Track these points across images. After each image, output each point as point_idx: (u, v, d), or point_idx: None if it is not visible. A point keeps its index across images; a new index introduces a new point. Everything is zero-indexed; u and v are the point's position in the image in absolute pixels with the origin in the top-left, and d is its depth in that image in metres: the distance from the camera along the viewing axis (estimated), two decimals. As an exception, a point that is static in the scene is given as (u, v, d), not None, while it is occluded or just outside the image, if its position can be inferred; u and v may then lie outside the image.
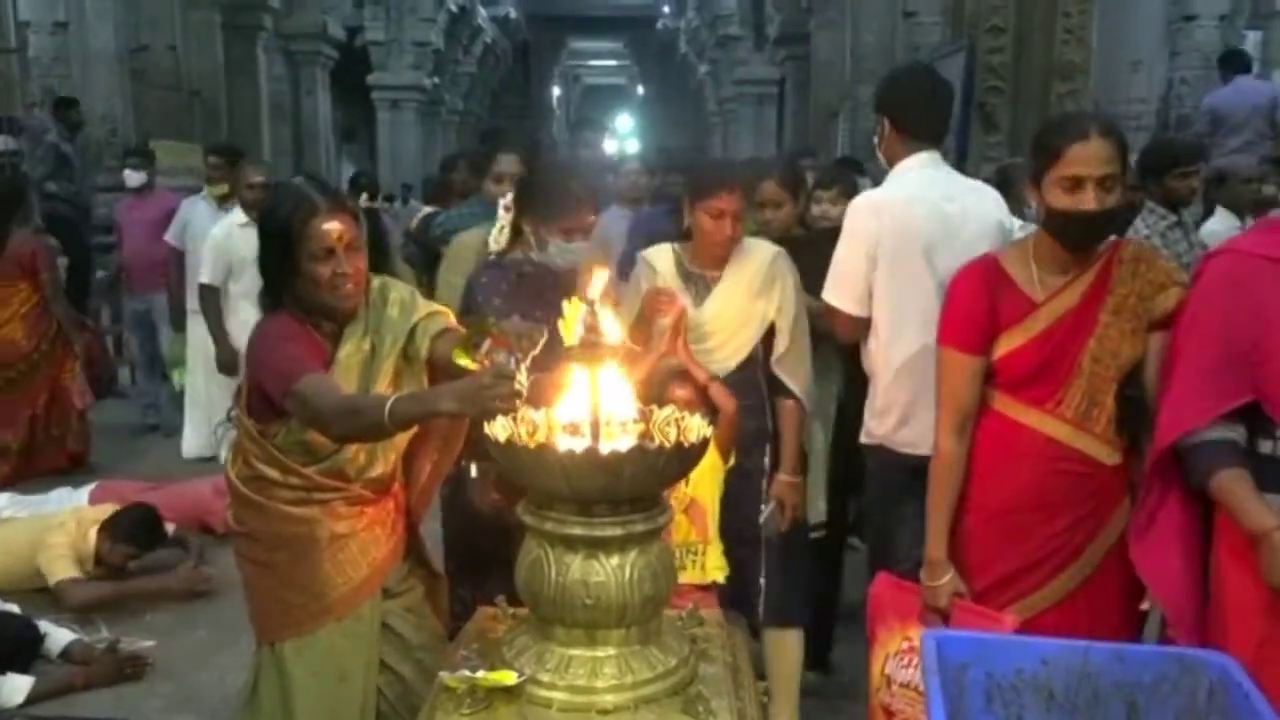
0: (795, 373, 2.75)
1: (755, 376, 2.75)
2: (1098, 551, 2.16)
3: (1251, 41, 10.73)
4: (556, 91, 28.46)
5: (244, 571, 2.20)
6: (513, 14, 21.83)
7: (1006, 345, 2.14)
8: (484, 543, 2.59)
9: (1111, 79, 8.17)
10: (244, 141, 9.72)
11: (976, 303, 2.16)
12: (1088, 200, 2.00)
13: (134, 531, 4.03)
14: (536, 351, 1.75)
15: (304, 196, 2.04)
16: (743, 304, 2.71)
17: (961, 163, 6.22)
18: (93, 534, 3.96)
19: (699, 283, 2.75)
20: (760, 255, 2.75)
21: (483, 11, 19.59)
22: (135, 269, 6.38)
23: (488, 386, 1.68)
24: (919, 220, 2.47)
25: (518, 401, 1.69)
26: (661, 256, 2.79)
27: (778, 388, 2.77)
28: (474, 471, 2.54)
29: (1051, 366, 2.11)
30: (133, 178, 6.36)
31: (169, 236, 5.90)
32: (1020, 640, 1.84)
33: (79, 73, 8.67)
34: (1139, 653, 1.75)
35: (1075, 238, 2.07)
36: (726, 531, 2.57)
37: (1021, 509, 2.16)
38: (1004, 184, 4.86)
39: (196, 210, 5.83)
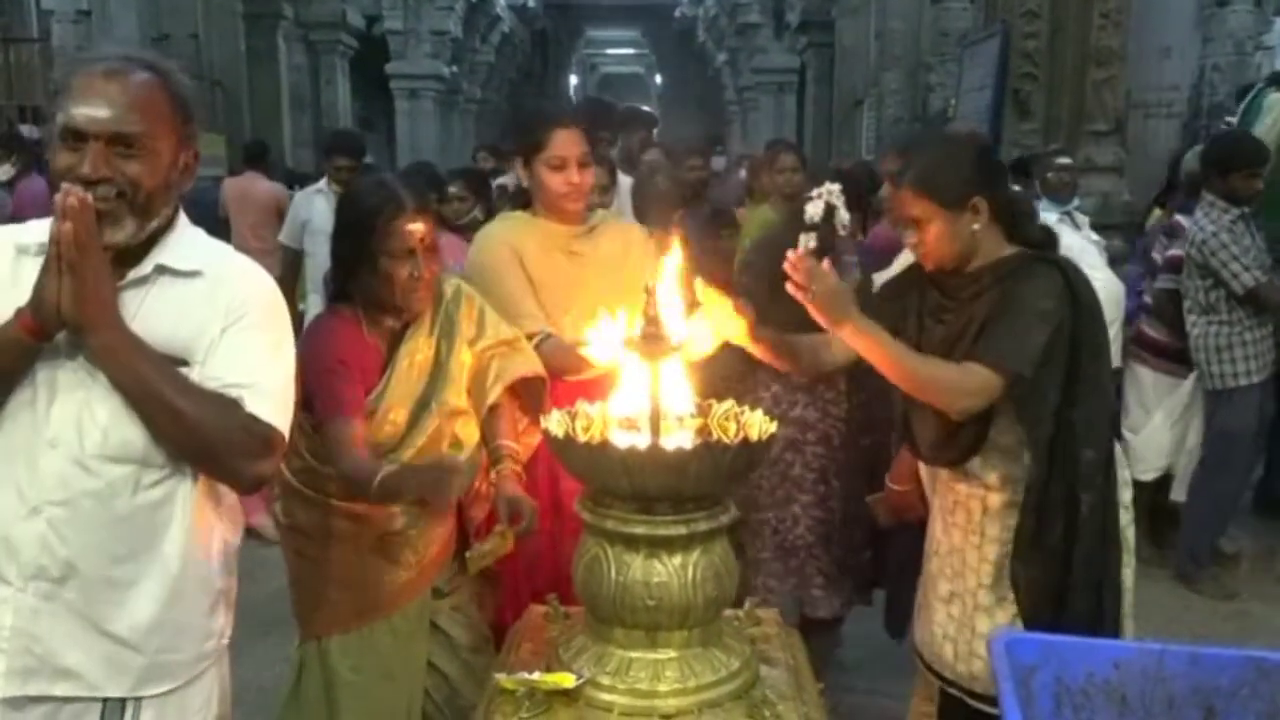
0: None
1: None
2: None
3: (1279, 29, 10.55)
4: (574, 80, 28.38)
5: (290, 565, 2.17)
6: (530, 2, 21.73)
7: None
8: None
9: (1142, 66, 8.02)
10: (264, 131, 9.72)
11: None
12: None
13: None
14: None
15: (392, 193, 2.00)
16: None
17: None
18: None
19: None
20: None
21: (500, 0, 19.52)
22: None
23: (437, 480, 1.91)
24: None
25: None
26: None
27: None
28: None
29: None
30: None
31: (283, 238, 5.40)
32: (1090, 643, 1.78)
33: (101, 62, 8.67)
34: (1215, 656, 1.68)
35: None
36: None
37: None
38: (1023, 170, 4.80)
39: (315, 207, 5.20)
